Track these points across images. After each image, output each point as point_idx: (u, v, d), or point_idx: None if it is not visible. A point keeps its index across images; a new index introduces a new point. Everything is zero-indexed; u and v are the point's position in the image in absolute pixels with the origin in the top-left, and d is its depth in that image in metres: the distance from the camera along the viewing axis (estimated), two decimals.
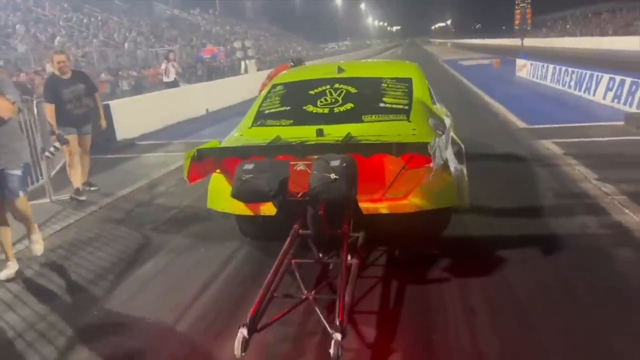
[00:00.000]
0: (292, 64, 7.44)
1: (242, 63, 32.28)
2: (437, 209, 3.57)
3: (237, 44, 40.31)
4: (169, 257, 4.26)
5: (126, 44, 30.03)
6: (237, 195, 3.02)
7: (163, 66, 15.51)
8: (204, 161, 3.48)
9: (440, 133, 3.63)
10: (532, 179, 5.76)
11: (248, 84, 14.94)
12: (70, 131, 6.05)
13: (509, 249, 3.91)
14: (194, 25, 46.24)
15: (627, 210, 4.53)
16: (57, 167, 7.04)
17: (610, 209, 4.61)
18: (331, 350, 2.38)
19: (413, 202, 3.52)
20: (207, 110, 14.40)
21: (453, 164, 3.40)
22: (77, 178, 6.20)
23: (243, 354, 2.48)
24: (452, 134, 3.80)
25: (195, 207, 5.47)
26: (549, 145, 7.33)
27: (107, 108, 10.09)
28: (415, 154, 3.24)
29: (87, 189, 6.45)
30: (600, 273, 3.48)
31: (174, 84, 14.93)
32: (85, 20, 30.09)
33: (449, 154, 3.39)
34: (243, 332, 2.50)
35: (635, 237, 4.00)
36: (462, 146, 3.61)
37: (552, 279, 3.44)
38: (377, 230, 3.76)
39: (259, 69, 25.32)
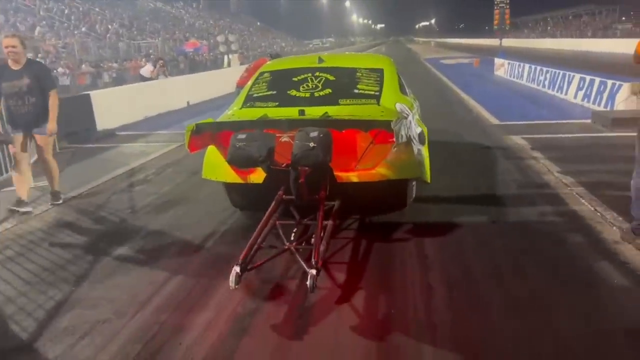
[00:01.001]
0: (270, 57, 7.62)
1: (225, 57, 32.30)
2: (400, 179, 4.09)
3: (220, 38, 40.32)
4: (146, 239, 4.42)
5: (108, 36, 29.80)
6: (231, 160, 3.55)
7: (150, 68, 15.53)
8: (202, 134, 3.86)
9: (406, 116, 4.17)
10: (498, 170, 6.02)
11: (230, 78, 15.01)
12: (16, 130, 5.18)
13: (468, 233, 4.16)
14: (177, 18, 45.98)
15: (583, 200, 4.80)
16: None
17: (568, 199, 4.88)
18: (308, 283, 2.96)
19: (380, 172, 4.03)
20: (188, 102, 14.47)
21: (416, 143, 4.04)
22: (21, 187, 5.20)
23: (236, 286, 3.08)
24: (417, 117, 4.74)
25: (174, 193, 5.63)
26: (518, 140, 7.61)
27: (87, 98, 10.22)
28: (381, 130, 3.69)
29: (54, 203, 5.46)
30: (549, 256, 3.73)
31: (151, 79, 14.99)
32: (66, 11, 29.77)
33: (413, 134, 4.05)
34: (236, 269, 3.10)
35: (587, 224, 4.27)
36: (425, 129, 4.37)
37: (504, 260, 3.69)
38: (350, 201, 4.26)
39: (242, 63, 25.40)
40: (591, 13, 63.43)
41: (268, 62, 6.21)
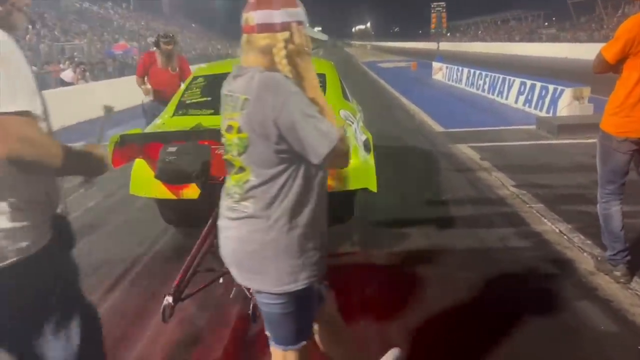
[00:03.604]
0: (159, 47, 6.57)
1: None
2: (344, 191, 3.76)
3: (151, 40, 38.65)
4: None
5: (27, 37, 27.71)
6: (160, 175, 3.13)
7: (70, 74, 14.35)
8: (127, 147, 3.42)
9: (350, 123, 4.02)
10: (450, 186, 5.55)
11: None
12: None
13: (425, 264, 3.62)
14: (105, 19, 43.80)
15: (545, 220, 4.38)
16: None
17: (529, 219, 4.45)
18: (250, 312, 2.73)
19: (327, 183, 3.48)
20: (112, 109, 13.31)
21: (362, 152, 3.81)
22: None
23: (169, 319, 2.69)
24: (361, 124, 4.47)
25: (82, 220, 4.76)
26: (465, 150, 7.23)
27: None
28: None
29: None
30: (521, 295, 3.23)
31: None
32: None
33: (359, 142, 3.88)
34: (168, 299, 2.72)
35: (555, 250, 3.83)
36: (370, 136, 4.14)
37: (469, 300, 3.15)
38: None
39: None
40: (518, 18, 66.06)
41: (203, 66, 5.81)
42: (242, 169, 1.61)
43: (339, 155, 1.53)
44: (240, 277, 1.72)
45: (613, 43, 2.94)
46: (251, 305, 2.71)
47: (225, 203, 1.71)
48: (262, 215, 1.59)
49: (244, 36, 1.61)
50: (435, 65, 19.90)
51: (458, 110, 11.55)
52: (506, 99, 11.76)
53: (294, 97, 1.50)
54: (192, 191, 3.60)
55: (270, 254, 1.60)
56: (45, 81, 21.76)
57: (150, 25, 49.57)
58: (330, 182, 3.72)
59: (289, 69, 1.57)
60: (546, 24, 59.93)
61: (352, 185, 3.81)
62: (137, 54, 32.60)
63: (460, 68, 16.35)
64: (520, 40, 50.02)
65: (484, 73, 13.75)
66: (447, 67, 18.17)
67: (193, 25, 66.86)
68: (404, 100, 13.64)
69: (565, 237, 4.03)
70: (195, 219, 3.78)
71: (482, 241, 4.04)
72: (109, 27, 41.13)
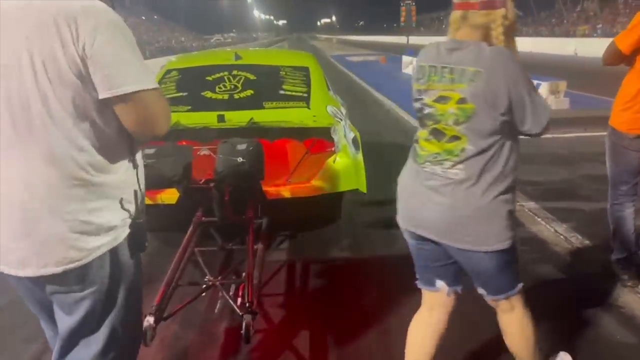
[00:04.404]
0: None
1: None
2: (332, 193, 3.61)
3: None
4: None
5: None
6: None
7: None
8: None
9: (339, 120, 3.87)
10: None
11: None
12: None
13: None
14: None
15: (538, 219, 4.26)
16: None
17: (523, 218, 4.31)
18: (243, 332, 2.42)
19: (316, 185, 3.53)
20: None
21: (352, 150, 3.67)
22: None
23: (150, 342, 2.37)
24: (348, 121, 4.27)
25: None
26: None
27: None
28: (317, 139, 3.47)
29: None
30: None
31: None
32: None
33: (348, 140, 3.73)
34: (149, 320, 2.40)
35: (555, 252, 3.69)
36: (358, 133, 4.06)
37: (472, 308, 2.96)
38: (280, 217, 3.78)
39: None
40: None
41: (177, 57, 5.61)
42: (456, 138, 1.72)
43: (548, 126, 1.74)
44: (451, 239, 1.81)
45: (628, 33, 2.78)
46: (243, 324, 2.44)
47: (426, 169, 1.82)
48: (476, 182, 1.72)
49: (459, 12, 1.74)
50: (406, 59, 19.77)
51: None
52: None
53: (522, 70, 1.65)
54: (169, 195, 3.33)
55: (485, 217, 1.74)
56: None
57: None
58: (319, 184, 3.55)
59: (504, 44, 1.70)
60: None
61: (343, 186, 3.63)
62: None
63: None
64: None
65: None
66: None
67: (155, 17, 65.31)
68: (377, 95, 13.46)
69: (561, 237, 3.91)
70: (172, 225, 3.53)
71: None
72: None
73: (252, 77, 4.27)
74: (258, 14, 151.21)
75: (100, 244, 1.46)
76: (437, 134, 1.78)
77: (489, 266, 1.83)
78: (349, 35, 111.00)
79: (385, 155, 6.61)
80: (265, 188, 3.39)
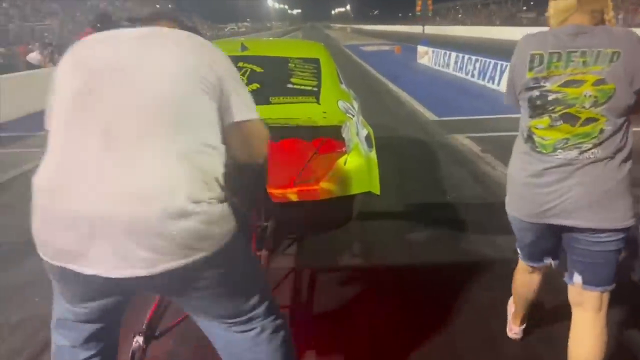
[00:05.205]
0: (98, 25, 5.98)
1: None
2: (346, 195, 3.34)
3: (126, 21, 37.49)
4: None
5: None
6: None
7: (38, 56, 13.48)
8: None
9: (351, 116, 3.60)
10: (454, 183, 5.10)
11: None
12: None
13: (445, 284, 3.16)
14: None
15: None
16: None
17: None
18: None
19: (325, 188, 3.28)
20: None
21: (364, 149, 3.40)
22: None
23: None
24: (361, 117, 4.02)
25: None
26: (464, 141, 6.78)
27: None
28: (327, 138, 3.26)
29: None
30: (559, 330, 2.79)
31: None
32: None
33: (360, 138, 3.47)
34: (138, 340, 2.10)
35: None
36: (371, 130, 3.80)
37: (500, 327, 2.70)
38: (286, 219, 3.44)
39: None
40: (498, 2, 65.95)
41: None
42: (592, 120, 1.76)
43: None
44: (590, 217, 1.81)
45: None
46: None
47: (558, 156, 1.82)
48: (613, 158, 1.78)
49: (573, 0, 1.81)
50: (421, 49, 19.41)
51: (449, 96, 11.09)
52: (498, 85, 11.33)
53: None
54: None
55: (622, 191, 1.80)
56: (13, 63, 20.85)
57: (125, 5, 48.09)
58: (328, 186, 3.31)
59: (615, 26, 1.80)
60: (524, 8, 59.87)
61: (355, 189, 3.37)
62: None
63: (447, 52, 15.88)
64: (501, 24, 49.78)
65: (473, 58, 13.31)
66: (433, 51, 17.69)
67: (169, 6, 65.15)
68: (391, 86, 13.15)
69: None
70: None
71: (503, 251, 3.59)
72: (82, 7, 39.80)
73: (258, 69, 4.08)
74: (272, 3, 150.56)
75: None
76: (568, 118, 1.79)
77: (609, 249, 1.86)
78: (364, 24, 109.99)
79: (400, 151, 6.33)
80: (270, 190, 3.14)
